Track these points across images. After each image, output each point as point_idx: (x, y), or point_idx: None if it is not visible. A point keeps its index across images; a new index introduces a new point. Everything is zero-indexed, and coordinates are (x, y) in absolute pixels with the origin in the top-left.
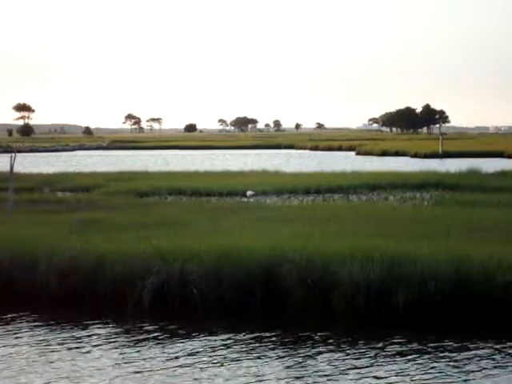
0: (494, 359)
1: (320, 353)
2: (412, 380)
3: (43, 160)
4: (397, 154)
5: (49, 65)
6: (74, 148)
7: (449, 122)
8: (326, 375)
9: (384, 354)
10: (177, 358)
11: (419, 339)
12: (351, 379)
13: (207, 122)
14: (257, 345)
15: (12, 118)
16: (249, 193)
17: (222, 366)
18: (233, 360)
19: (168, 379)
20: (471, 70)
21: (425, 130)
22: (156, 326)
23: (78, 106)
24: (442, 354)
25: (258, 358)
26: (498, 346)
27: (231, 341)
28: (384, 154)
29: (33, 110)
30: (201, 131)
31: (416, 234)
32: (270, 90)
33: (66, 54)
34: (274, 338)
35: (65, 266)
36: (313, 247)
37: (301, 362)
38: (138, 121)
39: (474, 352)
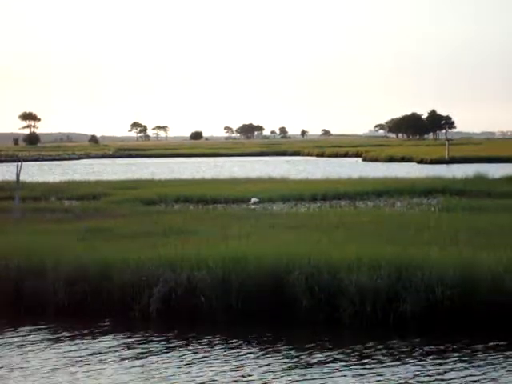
0: (503, 364)
1: (328, 360)
2: None
3: (49, 169)
4: (403, 159)
5: (54, 73)
6: (80, 156)
7: (455, 127)
8: (333, 382)
9: (392, 359)
10: (184, 364)
11: (427, 345)
12: None
13: (213, 130)
14: (264, 352)
15: (18, 127)
16: (253, 200)
17: (229, 372)
18: (240, 367)
19: None
20: (477, 75)
21: (431, 135)
22: (163, 334)
23: (83, 114)
24: (450, 360)
25: (266, 365)
26: (507, 353)
27: (239, 348)
28: (390, 160)
29: (39, 119)
30: (207, 139)
31: (423, 240)
32: (276, 97)
33: (71, 62)
34: (281, 345)
35: (72, 275)
36: (320, 254)
37: (308, 369)
38: (144, 129)
39: (482, 358)
